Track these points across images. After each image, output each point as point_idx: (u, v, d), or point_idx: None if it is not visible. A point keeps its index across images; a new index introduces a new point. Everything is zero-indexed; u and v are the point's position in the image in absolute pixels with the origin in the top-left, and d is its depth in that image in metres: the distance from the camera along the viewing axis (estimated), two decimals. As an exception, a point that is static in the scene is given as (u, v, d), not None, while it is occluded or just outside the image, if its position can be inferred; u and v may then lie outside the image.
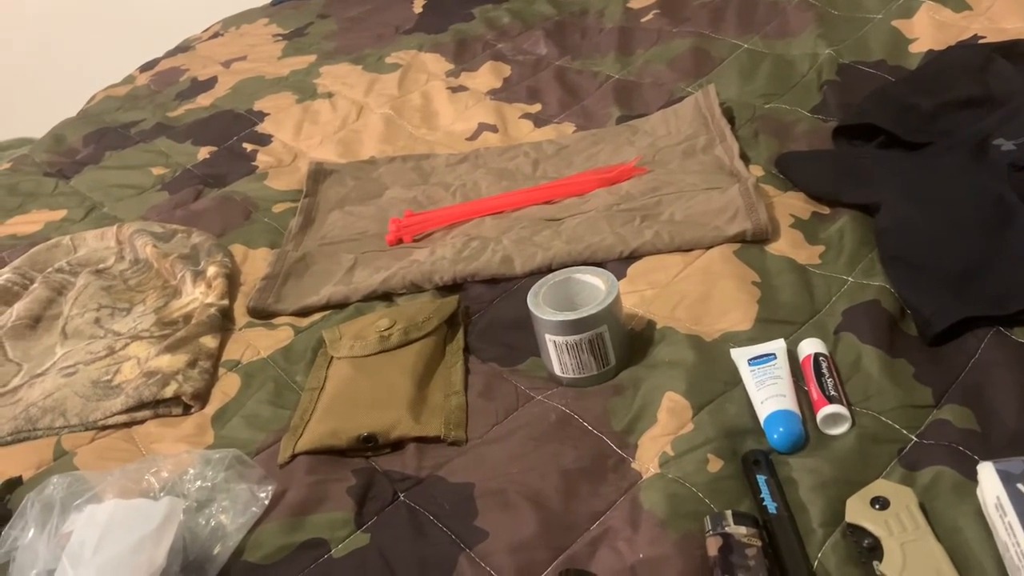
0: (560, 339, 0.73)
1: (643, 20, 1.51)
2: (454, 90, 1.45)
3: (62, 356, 0.93)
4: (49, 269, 1.11)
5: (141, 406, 0.82)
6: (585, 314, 0.72)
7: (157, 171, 1.41)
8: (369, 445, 0.73)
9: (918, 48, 1.18)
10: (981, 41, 1.14)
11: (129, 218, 1.27)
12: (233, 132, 1.48)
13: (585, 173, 1.07)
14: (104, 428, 0.83)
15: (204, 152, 1.44)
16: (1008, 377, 0.64)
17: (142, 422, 0.83)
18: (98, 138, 1.58)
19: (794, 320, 0.76)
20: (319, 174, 1.21)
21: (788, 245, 0.85)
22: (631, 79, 1.32)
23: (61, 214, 1.34)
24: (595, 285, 0.77)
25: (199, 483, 0.66)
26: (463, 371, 0.80)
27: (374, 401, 0.76)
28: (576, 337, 0.73)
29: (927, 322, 0.71)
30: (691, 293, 0.81)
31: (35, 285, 1.07)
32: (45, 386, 0.87)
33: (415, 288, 0.93)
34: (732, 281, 0.80)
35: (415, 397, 0.76)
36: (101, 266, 1.12)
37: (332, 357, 0.84)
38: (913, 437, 0.63)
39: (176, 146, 1.48)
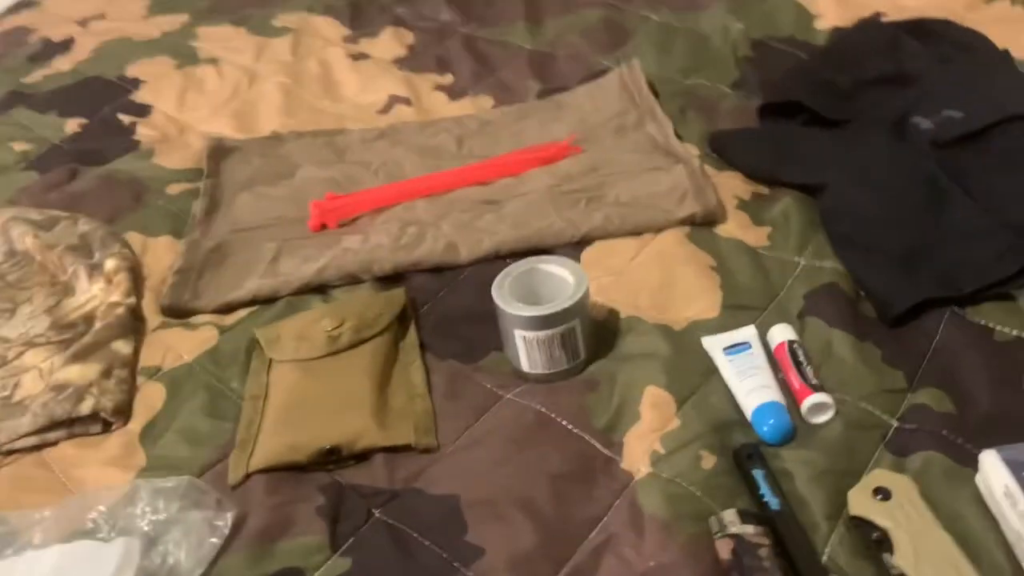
0: (531, 335, 0.70)
1: (547, -13, 1.47)
2: (355, 58, 1.36)
3: (-58, 369, 0.81)
4: (-95, 265, 0.96)
5: (53, 425, 0.73)
6: (558, 308, 0.69)
7: (19, 147, 1.25)
8: (332, 458, 0.67)
9: (823, 25, 1.21)
10: (885, 19, 1.18)
11: (-7, 201, 1.13)
12: (104, 101, 1.34)
13: (517, 152, 1.04)
14: (10, 453, 0.72)
15: (73, 125, 1.29)
16: (974, 358, 0.66)
17: (55, 443, 0.73)
18: (-61, 108, 1.38)
19: (757, 305, 0.76)
20: (219, 151, 1.11)
21: (736, 227, 0.85)
22: (545, 50, 1.29)
23: (-94, 198, 1.17)
24: (561, 276, 0.74)
25: (151, 517, 0.59)
26: (423, 371, 0.75)
27: (332, 408, 0.70)
28: (548, 332, 0.70)
29: (885, 304, 0.72)
30: (650, 280, 0.79)
31: None
32: (-72, 406, 0.76)
33: (352, 279, 0.87)
34: (690, 267, 0.79)
35: (377, 402, 0.71)
36: (-29, 260, 0.98)
37: (271, 360, 0.77)
38: (894, 422, 0.64)
39: (38, 118, 1.32)
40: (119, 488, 0.62)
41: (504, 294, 0.72)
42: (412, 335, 0.79)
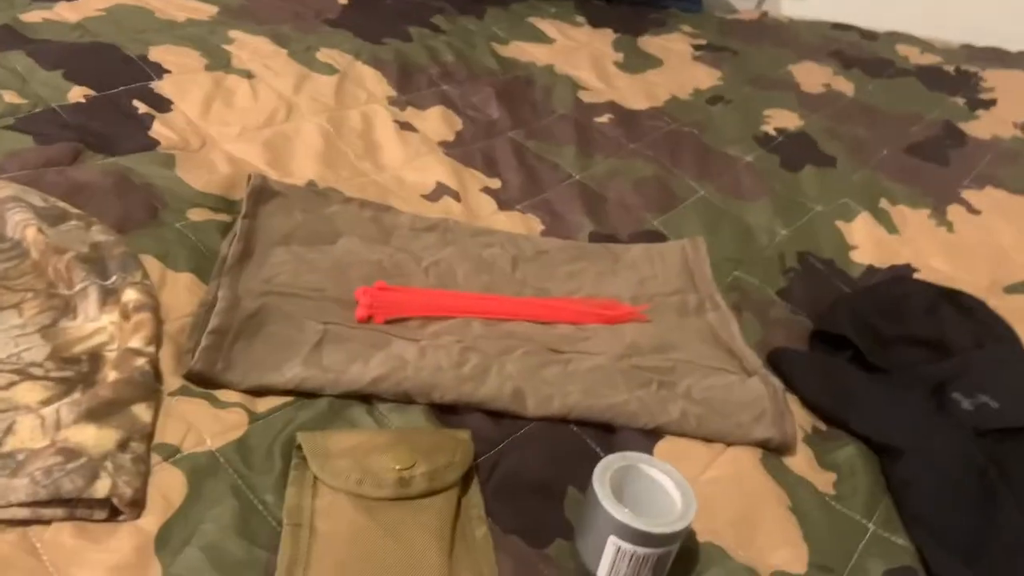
0: (628, 547, 0.64)
1: (597, 120, 1.47)
2: (401, 125, 1.29)
3: (-93, 377, 0.65)
4: None
5: (53, 501, 0.59)
6: (669, 529, 0.64)
7: (9, 97, 1.10)
8: (391, 636, 0.58)
9: (859, 258, 1.25)
10: (916, 275, 1.23)
11: (-27, 156, 0.96)
12: (120, 79, 1.20)
13: (580, 301, 0.99)
14: (-11, 522, 0.58)
15: (78, 93, 1.15)
16: None
17: (47, 522, 0.59)
18: (-86, 13, 1.20)
19: (836, 569, 0.73)
20: (262, 192, 1.00)
21: (804, 464, 0.83)
22: (594, 188, 1.27)
23: None
24: (662, 485, 0.69)
25: None
26: (492, 547, 0.67)
27: (401, 572, 0.61)
28: (647, 550, 0.64)
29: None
30: (729, 506, 0.75)
31: None
32: None
33: (406, 398, 0.79)
34: (770, 503, 0.76)
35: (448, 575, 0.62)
36: (-53, 230, 0.82)
37: (316, 480, 0.67)
38: None
39: (39, 71, 1.17)
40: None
41: (607, 491, 0.66)
42: (476, 494, 0.71)
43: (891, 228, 1.33)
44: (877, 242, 1.29)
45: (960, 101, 1.87)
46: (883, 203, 1.38)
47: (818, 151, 1.50)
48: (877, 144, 1.58)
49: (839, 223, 1.31)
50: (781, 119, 1.60)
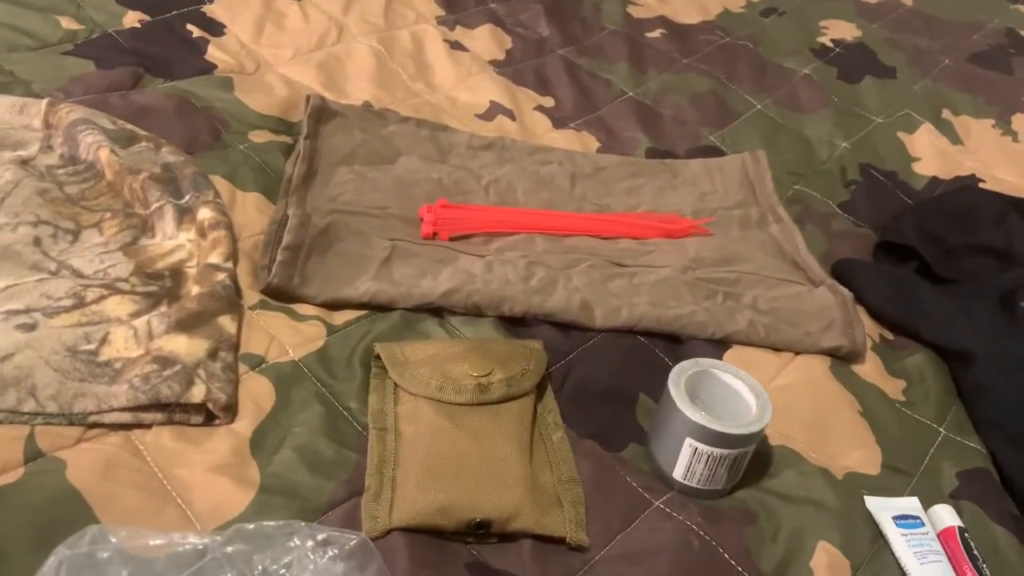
0: (704, 448, 0.65)
1: (649, 35, 1.44)
2: (451, 45, 1.27)
3: (1, 292, 0.67)
4: (-54, 138, 0.81)
5: (152, 406, 0.62)
6: (746, 431, 0.65)
7: (66, 23, 1.10)
8: (478, 531, 0.60)
9: (922, 170, 1.23)
10: (981, 186, 1.20)
11: (38, 82, 0.97)
12: (172, 3, 1.20)
13: (641, 215, 0.98)
14: (93, 425, 0.61)
15: (133, 18, 1.14)
16: None
17: (148, 426, 0.62)
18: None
19: (909, 471, 0.74)
20: (321, 112, 1.00)
21: (874, 372, 0.83)
22: (648, 103, 1.25)
23: (-72, 47, 1.00)
24: (736, 390, 0.69)
25: (311, 571, 0.50)
26: (570, 448, 0.68)
27: (483, 472, 0.62)
28: (723, 451, 0.65)
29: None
30: (802, 411, 0.76)
31: (-76, 156, 0.78)
32: (-6, 340, 0.63)
33: (476, 311, 0.80)
34: (842, 408, 0.77)
35: (529, 478, 0.64)
36: (23, 154, 0.83)
37: (398, 387, 0.69)
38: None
39: (93, -4, 1.16)
40: (275, 529, 0.52)
41: (683, 395, 0.67)
42: (551, 400, 0.72)
43: (954, 139, 1.30)
44: (940, 153, 1.26)
45: (1023, 8, 1.80)
46: (946, 113, 1.34)
47: (877, 62, 1.46)
48: (938, 53, 1.53)
49: (901, 134, 1.28)
50: (838, 30, 1.55)
